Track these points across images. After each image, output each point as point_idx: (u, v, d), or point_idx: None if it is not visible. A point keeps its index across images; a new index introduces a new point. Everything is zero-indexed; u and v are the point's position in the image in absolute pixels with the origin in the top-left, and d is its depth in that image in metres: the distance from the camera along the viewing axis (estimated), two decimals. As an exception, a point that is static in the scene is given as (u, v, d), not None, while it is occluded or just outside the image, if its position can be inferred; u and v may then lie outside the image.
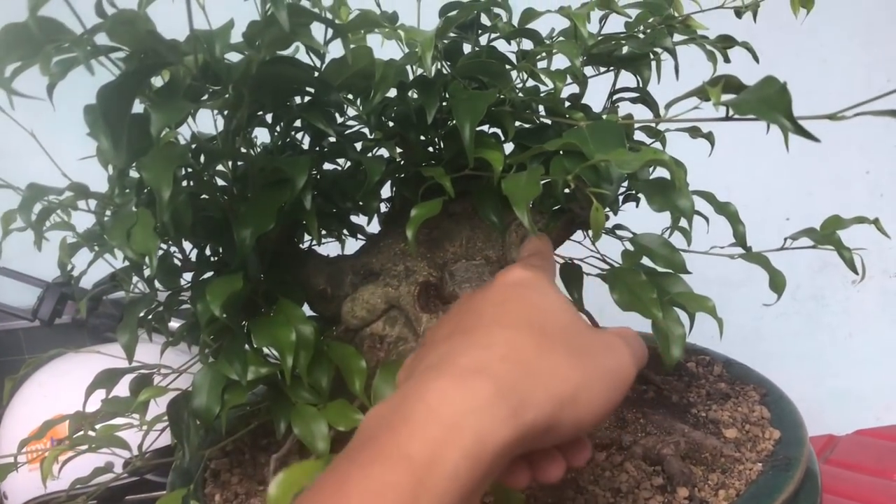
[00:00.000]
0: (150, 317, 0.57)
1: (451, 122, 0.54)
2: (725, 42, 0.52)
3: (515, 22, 0.56)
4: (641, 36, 0.53)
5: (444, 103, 0.51)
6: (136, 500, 1.01)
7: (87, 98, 0.44)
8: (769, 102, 0.36)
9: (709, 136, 0.59)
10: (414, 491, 0.27)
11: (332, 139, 0.55)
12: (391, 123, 0.55)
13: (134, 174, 0.51)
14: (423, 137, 0.54)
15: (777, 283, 0.52)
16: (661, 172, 0.51)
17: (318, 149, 0.56)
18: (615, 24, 0.57)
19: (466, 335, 0.34)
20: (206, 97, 0.44)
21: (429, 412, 0.29)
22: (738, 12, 0.57)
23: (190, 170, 0.50)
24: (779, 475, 0.49)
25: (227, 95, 0.42)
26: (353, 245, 0.65)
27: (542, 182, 0.44)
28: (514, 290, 0.37)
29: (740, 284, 1.25)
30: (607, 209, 0.48)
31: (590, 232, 0.56)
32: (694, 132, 0.59)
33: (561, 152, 0.46)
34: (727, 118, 0.41)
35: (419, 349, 0.38)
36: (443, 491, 0.27)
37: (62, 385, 1.03)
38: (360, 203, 0.54)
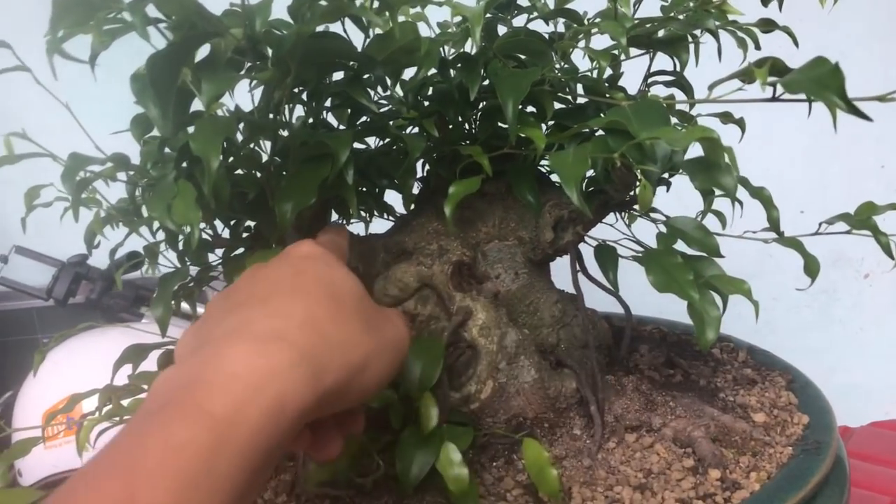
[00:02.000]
0: (180, 293, 0.57)
1: (484, 103, 0.54)
2: (765, 25, 0.52)
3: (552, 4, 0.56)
4: (680, 17, 0.53)
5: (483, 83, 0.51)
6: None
7: (110, 77, 0.43)
8: (821, 82, 0.36)
9: (740, 122, 0.59)
10: (215, 447, 0.27)
11: (368, 117, 0.54)
12: (426, 102, 0.55)
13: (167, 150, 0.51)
14: (460, 117, 0.53)
15: (811, 267, 0.52)
16: (691, 154, 0.51)
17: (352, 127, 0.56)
18: (649, 9, 0.57)
19: (263, 304, 0.34)
20: (243, 70, 0.44)
21: (230, 375, 0.29)
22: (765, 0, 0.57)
23: (225, 144, 0.50)
24: (810, 459, 0.49)
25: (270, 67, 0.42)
26: (377, 225, 0.65)
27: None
28: (308, 263, 0.38)
29: (752, 277, 1.24)
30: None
31: (623, 214, 0.57)
32: (725, 117, 0.58)
33: (603, 132, 0.46)
34: (773, 99, 0.41)
35: (203, 320, 0.37)
36: (243, 448, 0.27)
37: (78, 364, 1.03)
38: (397, 181, 0.54)
